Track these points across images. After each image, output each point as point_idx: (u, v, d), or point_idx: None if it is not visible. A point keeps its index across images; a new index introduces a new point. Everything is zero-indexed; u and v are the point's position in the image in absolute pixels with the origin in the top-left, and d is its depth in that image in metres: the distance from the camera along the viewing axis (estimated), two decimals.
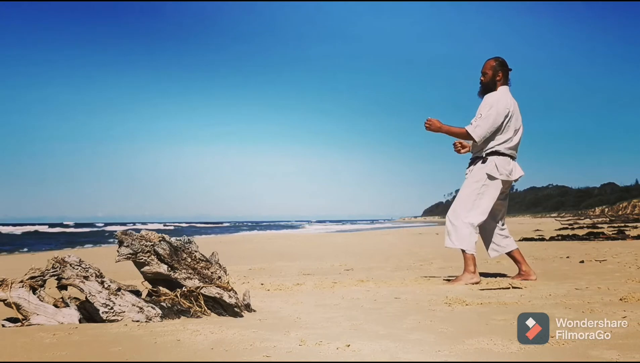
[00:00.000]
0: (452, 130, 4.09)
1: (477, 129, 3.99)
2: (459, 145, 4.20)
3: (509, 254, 4.18)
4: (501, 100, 4.00)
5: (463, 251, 3.98)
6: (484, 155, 4.05)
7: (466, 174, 4.16)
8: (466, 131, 4.02)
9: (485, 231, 4.22)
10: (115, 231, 2.93)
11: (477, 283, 3.85)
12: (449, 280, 4.07)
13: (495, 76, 4.08)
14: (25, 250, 15.36)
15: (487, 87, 4.11)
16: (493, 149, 4.04)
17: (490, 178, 4.02)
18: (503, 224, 4.24)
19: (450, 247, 4.06)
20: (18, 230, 34.33)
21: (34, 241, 21.46)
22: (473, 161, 4.13)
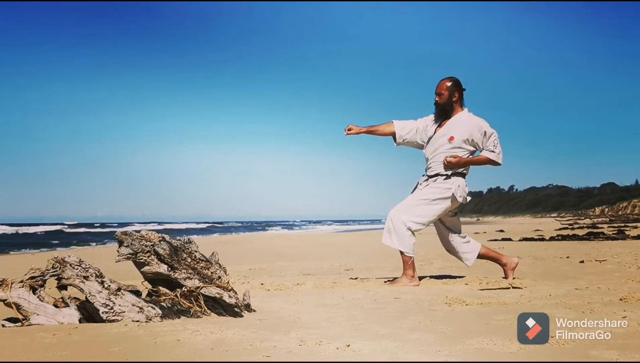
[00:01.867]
0: (476, 160, 4.10)
1: (501, 154, 4.06)
2: (349, 128, 4.27)
3: (482, 256, 4.21)
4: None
5: (402, 253, 4.01)
6: (449, 174, 4.06)
7: (420, 184, 4.17)
8: (494, 160, 4.06)
9: (451, 245, 4.23)
10: (140, 230, 2.94)
11: (416, 286, 3.88)
12: (389, 281, 4.09)
13: (451, 96, 4.10)
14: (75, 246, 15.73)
15: (444, 108, 4.13)
16: (461, 171, 4.09)
17: (448, 196, 4.04)
18: (463, 234, 4.27)
19: (389, 246, 4.10)
20: (41, 229, 34.55)
21: (63, 239, 21.72)
22: (432, 176, 4.11)
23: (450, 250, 4.25)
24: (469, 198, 4.12)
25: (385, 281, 4.13)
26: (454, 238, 4.21)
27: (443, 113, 4.13)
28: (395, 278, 4.16)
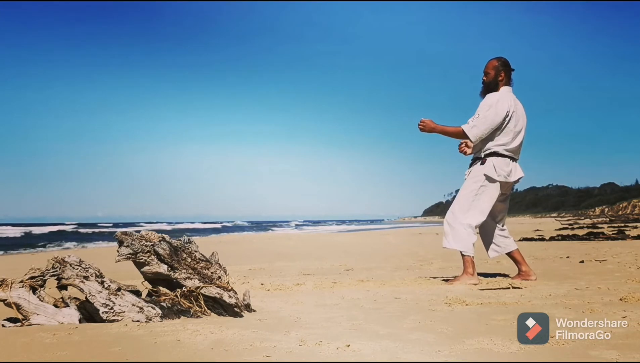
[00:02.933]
0: (447, 130, 4.05)
1: (474, 129, 3.96)
2: (464, 146, 4.18)
3: (509, 254, 4.18)
4: (501, 101, 3.97)
5: (461, 252, 3.98)
6: (482, 156, 4.04)
7: (465, 175, 4.15)
8: (462, 130, 3.99)
9: (485, 232, 4.22)
10: (140, 230, 2.94)
11: (475, 284, 3.85)
12: (447, 280, 4.07)
13: (497, 76, 4.06)
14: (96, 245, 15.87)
15: (489, 87, 4.08)
16: (492, 150, 4.01)
17: (489, 179, 4.00)
18: (503, 226, 4.23)
19: (448, 248, 4.05)
20: (42, 230, 34.53)
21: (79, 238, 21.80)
22: (472, 162, 4.12)
23: (483, 235, 4.20)
24: (514, 177, 4.01)
25: (442, 280, 4.11)
26: (492, 226, 4.17)
27: (488, 92, 4.08)
28: (455, 276, 4.11)
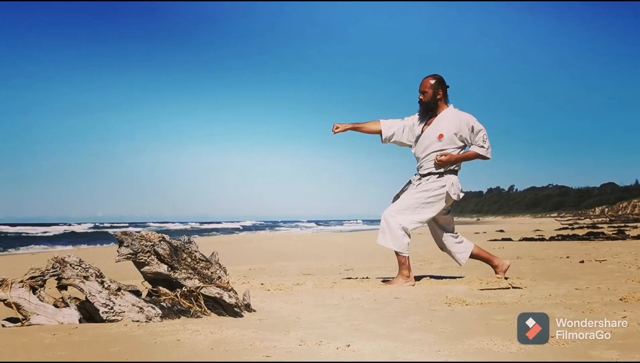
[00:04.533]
0: (466, 156, 4.11)
1: (489, 149, 4.08)
2: (336, 126, 4.26)
3: (471, 256, 4.22)
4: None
5: (397, 253, 4.00)
6: (442, 171, 4.07)
7: (411, 183, 4.17)
8: (483, 155, 4.08)
9: (444, 244, 4.24)
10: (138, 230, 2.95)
11: (412, 286, 3.88)
12: (386, 281, 4.10)
13: (435, 94, 4.11)
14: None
15: (428, 106, 4.15)
16: (453, 168, 4.09)
17: (442, 195, 4.04)
18: (455, 233, 4.27)
19: (383, 246, 4.08)
20: (45, 230, 34.58)
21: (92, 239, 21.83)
22: (425, 174, 4.12)
23: (443, 248, 4.26)
24: (462, 195, 4.12)
25: (382, 281, 4.14)
26: (447, 237, 4.22)
27: (428, 111, 4.16)
28: (391, 278, 4.16)
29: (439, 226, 4.21)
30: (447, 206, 4.14)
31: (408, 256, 4.00)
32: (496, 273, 4.15)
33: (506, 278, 4.08)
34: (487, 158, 4.10)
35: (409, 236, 4.07)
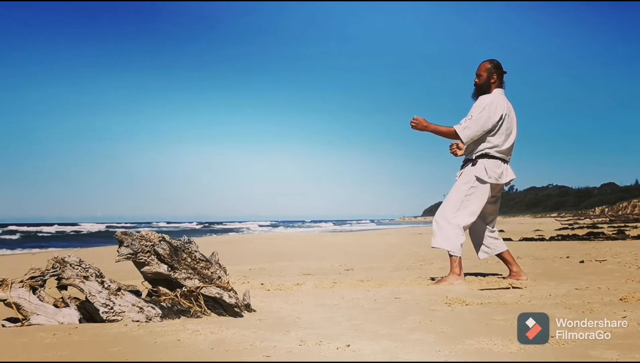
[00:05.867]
0: (440, 129, 4.04)
1: (466, 130, 3.95)
2: (456, 147, 4.17)
3: (499, 255, 4.19)
4: (494, 103, 3.97)
5: (449, 252, 3.99)
6: (474, 157, 4.04)
7: (457, 177, 4.15)
8: (454, 130, 3.98)
9: (475, 233, 4.23)
10: (138, 230, 2.94)
11: (461, 284, 3.86)
12: (434, 280, 4.08)
13: (490, 78, 4.06)
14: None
15: (481, 89, 4.09)
16: (483, 152, 4.02)
17: (480, 180, 4.00)
18: (493, 227, 4.24)
19: (436, 247, 4.06)
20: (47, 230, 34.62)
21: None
22: (464, 164, 4.12)
23: (473, 236, 4.21)
24: (505, 179, 4.02)
25: (430, 279, 4.10)
26: (483, 227, 4.18)
27: (480, 94, 4.09)
28: (442, 277, 4.10)
29: (480, 214, 4.10)
30: (494, 193, 4.07)
31: (460, 257, 3.94)
32: (510, 277, 4.07)
33: (504, 278, 4.08)
34: (459, 138, 3.97)
35: (463, 235, 3.99)
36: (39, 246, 17.74)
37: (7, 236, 26.37)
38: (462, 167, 4.12)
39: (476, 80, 4.11)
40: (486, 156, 4.02)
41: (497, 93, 4.04)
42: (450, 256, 3.97)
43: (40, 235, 28.66)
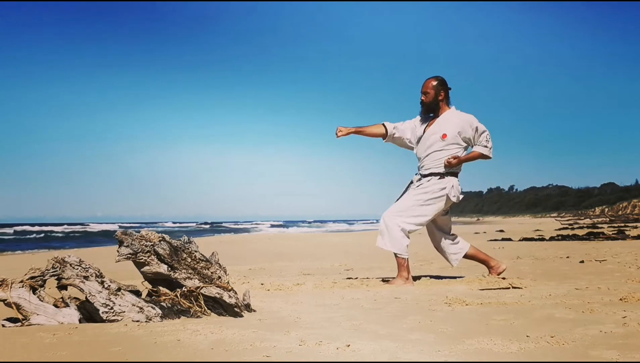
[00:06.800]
0: (471, 157, 4.12)
1: (492, 149, 4.09)
2: (339, 130, 4.21)
3: (467, 256, 4.23)
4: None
5: (396, 254, 4.00)
6: (442, 172, 4.07)
7: (412, 184, 4.17)
8: (486, 155, 4.08)
9: (440, 245, 4.26)
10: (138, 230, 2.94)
11: (410, 288, 3.87)
12: (385, 281, 4.10)
13: (437, 95, 4.13)
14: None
15: (430, 107, 4.16)
16: (453, 171, 4.09)
17: (442, 197, 4.04)
18: (452, 233, 4.28)
19: (382, 248, 4.09)
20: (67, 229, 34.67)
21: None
22: (425, 176, 4.12)
23: (439, 249, 4.28)
24: (461, 197, 4.14)
25: (381, 281, 4.14)
26: (443, 238, 4.23)
27: (429, 112, 4.17)
28: (391, 278, 4.16)
29: (436, 227, 4.22)
30: (446, 208, 4.14)
31: (407, 258, 4.00)
32: (490, 273, 4.17)
33: (504, 279, 4.08)
34: (490, 158, 4.13)
35: (409, 237, 4.06)
36: (52, 246, 17.71)
37: (20, 236, 26.42)
38: (424, 177, 4.12)
39: (423, 98, 4.17)
40: (454, 174, 4.11)
41: (456, 111, 4.14)
42: (397, 258, 4.00)
43: (52, 235, 28.66)
